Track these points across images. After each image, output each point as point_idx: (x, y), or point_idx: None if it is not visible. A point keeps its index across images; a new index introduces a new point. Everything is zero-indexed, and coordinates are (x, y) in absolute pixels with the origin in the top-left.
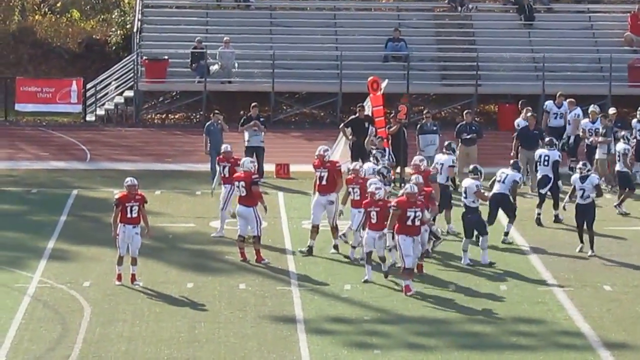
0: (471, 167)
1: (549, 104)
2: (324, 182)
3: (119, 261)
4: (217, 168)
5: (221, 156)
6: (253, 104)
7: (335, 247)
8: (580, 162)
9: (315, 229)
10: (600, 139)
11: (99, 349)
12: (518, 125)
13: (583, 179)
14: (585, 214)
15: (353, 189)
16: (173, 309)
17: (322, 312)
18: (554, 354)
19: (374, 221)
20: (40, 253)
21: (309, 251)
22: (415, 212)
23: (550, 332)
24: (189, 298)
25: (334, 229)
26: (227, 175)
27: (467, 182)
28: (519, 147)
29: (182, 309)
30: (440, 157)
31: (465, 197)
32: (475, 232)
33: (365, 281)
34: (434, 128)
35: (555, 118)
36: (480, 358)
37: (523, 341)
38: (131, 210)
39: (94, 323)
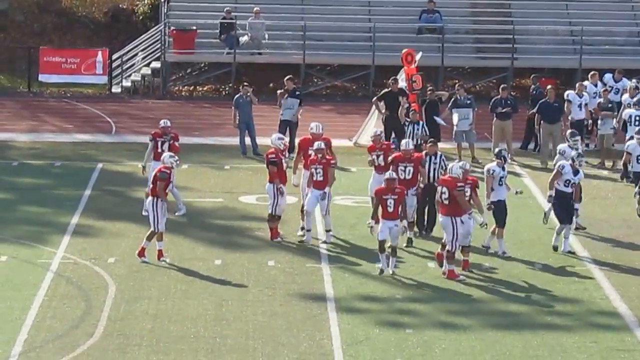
0: (496, 150)
1: (607, 76)
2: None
3: (158, 237)
4: (154, 143)
5: (158, 130)
6: (287, 77)
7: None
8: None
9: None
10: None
11: (123, 326)
12: (567, 96)
13: None
14: None
15: (377, 156)
16: (200, 286)
17: (353, 290)
18: (590, 334)
19: (390, 210)
20: (63, 228)
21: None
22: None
23: (587, 311)
24: (217, 275)
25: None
26: (165, 151)
27: (488, 166)
28: (541, 122)
29: (210, 287)
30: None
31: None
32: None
33: (381, 271)
34: (468, 102)
35: (616, 93)
36: (515, 338)
37: (558, 320)
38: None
39: (119, 300)
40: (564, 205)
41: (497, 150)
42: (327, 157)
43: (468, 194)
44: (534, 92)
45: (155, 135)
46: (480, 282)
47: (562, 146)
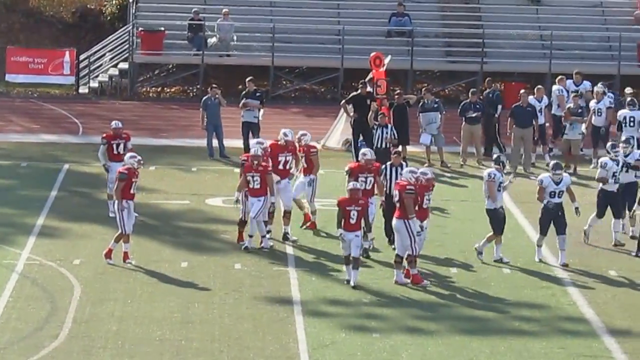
0: (495, 156)
1: (567, 82)
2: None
3: (125, 239)
4: (108, 145)
5: (110, 132)
6: (248, 78)
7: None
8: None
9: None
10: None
11: (88, 328)
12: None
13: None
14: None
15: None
16: (166, 288)
17: (320, 294)
18: (557, 340)
19: (352, 221)
20: (29, 229)
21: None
22: (428, 195)
23: (554, 317)
24: (183, 278)
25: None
26: (121, 153)
27: (488, 170)
28: (513, 126)
29: (176, 289)
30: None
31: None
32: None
33: (348, 281)
34: (435, 105)
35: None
36: (482, 343)
37: (526, 326)
38: (133, 186)
39: (84, 302)
40: (551, 217)
41: (495, 156)
42: (263, 164)
43: (427, 200)
44: (491, 95)
45: (107, 138)
46: (447, 287)
47: (603, 159)
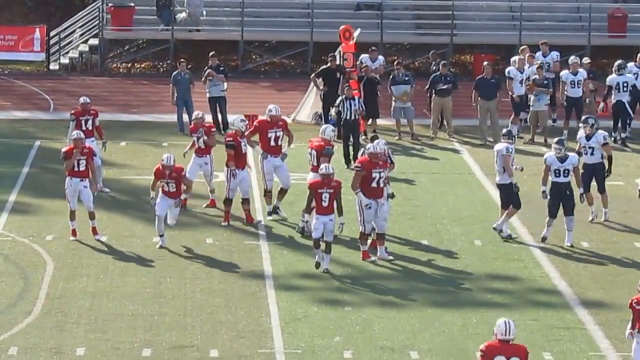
0: (504, 130)
1: (537, 54)
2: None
3: (71, 216)
4: (77, 122)
5: (78, 108)
6: (211, 54)
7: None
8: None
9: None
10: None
11: (61, 304)
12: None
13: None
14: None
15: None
16: (138, 263)
17: (292, 268)
18: (530, 312)
19: (325, 204)
20: (1, 206)
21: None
22: (380, 172)
23: (526, 289)
24: (155, 253)
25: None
26: (89, 129)
27: (499, 146)
28: (479, 98)
29: (148, 264)
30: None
31: (497, 162)
32: None
33: (317, 264)
34: (406, 78)
35: (547, 69)
36: (454, 315)
37: (498, 299)
38: (79, 164)
39: (57, 278)
40: (559, 197)
41: (505, 130)
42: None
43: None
44: (434, 68)
45: (76, 114)
46: (418, 260)
47: (547, 154)
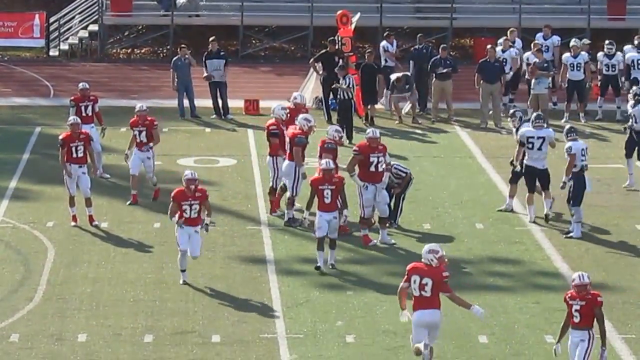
0: (534, 114)
1: (537, 35)
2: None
3: (71, 202)
4: (77, 107)
5: (78, 94)
6: (211, 39)
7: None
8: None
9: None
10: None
11: (63, 290)
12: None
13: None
14: None
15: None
16: (139, 249)
17: (293, 253)
18: (532, 295)
19: (327, 201)
20: (2, 192)
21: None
22: (378, 157)
23: (528, 272)
24: (156, 238)
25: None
26: (89, 115)
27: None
28: (481, 81)
29: (149, 250)
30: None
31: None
32: None
33: (317, 268)
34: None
35: (546, 51)
36: None
37: (500, 282)
38: (77, 150)
39: (58, 264)
40: (584, 187)
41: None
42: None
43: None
44: (424, 50)
45: (76, 100)
46: (420, 243)
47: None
